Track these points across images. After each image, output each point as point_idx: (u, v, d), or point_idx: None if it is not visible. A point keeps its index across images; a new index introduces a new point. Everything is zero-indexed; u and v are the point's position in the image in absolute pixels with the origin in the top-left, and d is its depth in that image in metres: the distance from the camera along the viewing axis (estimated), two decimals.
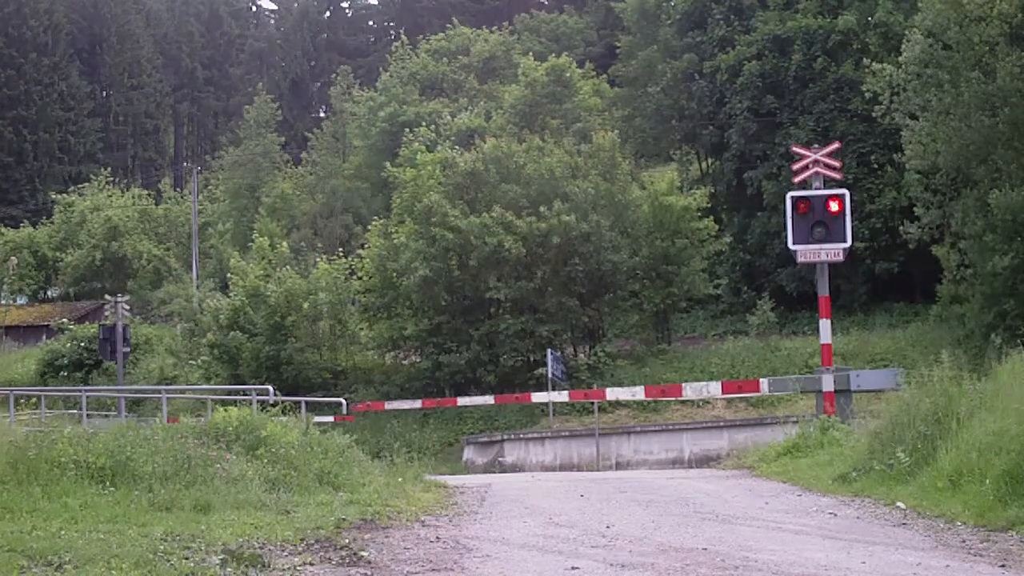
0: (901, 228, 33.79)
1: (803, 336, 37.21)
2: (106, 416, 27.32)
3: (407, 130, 48.50)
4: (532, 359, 35.94)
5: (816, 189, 17.55)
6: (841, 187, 18.04)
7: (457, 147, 40.58)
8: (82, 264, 61.06)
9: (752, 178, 42.16)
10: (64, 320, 51.94)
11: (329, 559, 7.97)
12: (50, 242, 64.52)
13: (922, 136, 30.11)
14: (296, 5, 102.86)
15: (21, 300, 64.84)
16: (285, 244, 43.59)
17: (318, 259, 40.84)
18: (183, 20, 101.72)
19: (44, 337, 53.76)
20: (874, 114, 33.57)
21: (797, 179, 18.08)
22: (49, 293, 66.64)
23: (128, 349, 43.22)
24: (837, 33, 40.90)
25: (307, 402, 21.74)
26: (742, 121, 42.35)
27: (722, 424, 26.88)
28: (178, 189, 70.47)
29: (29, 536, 7.87)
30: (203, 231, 59.92)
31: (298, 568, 7.56)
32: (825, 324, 17.71)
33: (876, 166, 39.19)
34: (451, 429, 34.74)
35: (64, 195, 66.84)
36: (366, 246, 41.33)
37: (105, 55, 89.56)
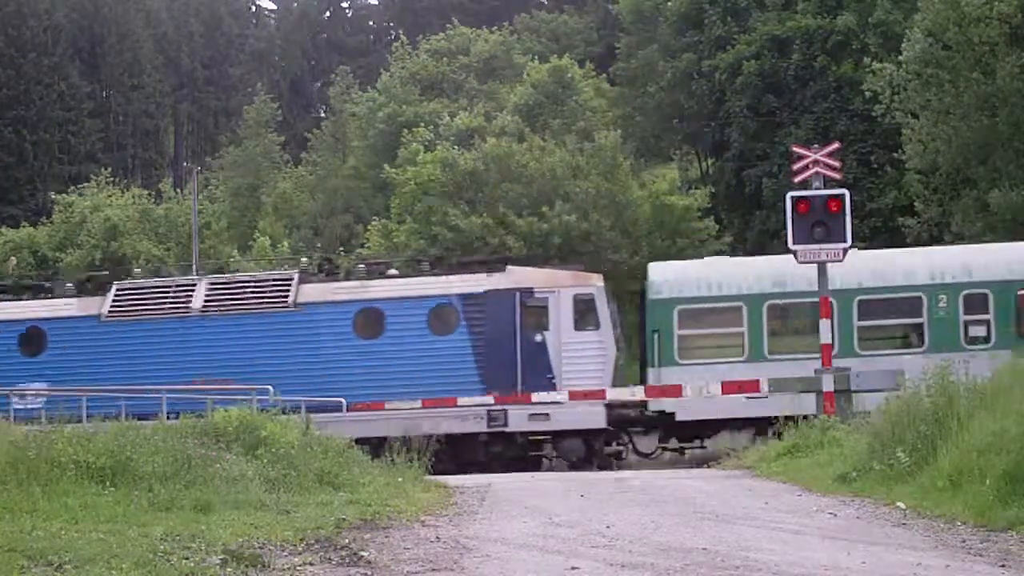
0: (901, 219, 33.93)
1: None
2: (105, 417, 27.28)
3: (405, 130, 48.51)
4: None
5: (816, 189, 17.58)
6: (841, 187, 18.08)
7: (456, 147, 40.58)
8: (82, 264, 61.00)
9: (751, 177, 42.16)
10: None
11: (329, 559, 7.97)
12: (50, 242, 64.46)
13: (922, 135, 30.14)
14: (296, 5, 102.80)
15: None
16: (286, 244, 43.56)
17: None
18: (183, 20, 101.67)
19: None
20: (874, 113, 33.53)
21: (797, 179, 18.11)
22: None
23: None
24: (836, 33, 40.89)
25: (307, 402, 21.74)
26: (742, 120, 42.35)
27: None
28: (178, 189, 70.39)
29: (29, 536, 7.87)
30: (203, 231, 59.87)
31: (298, 568, 7.56)
32: (825, 324, 17.74)
33: (876, 166, 39.16)
34: None
35: (64, 195, 66.80)
36: (366, 246, 41.33)
37: (105, 55, 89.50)
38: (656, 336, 22.99)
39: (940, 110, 29.39)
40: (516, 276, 24.16)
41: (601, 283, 24.11)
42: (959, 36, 28.83)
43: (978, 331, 22.07)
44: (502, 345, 23.36)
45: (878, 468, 11.66)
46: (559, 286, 23.75)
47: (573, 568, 7.46)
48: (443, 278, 24.58)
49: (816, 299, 19.56)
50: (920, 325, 22.49)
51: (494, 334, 23.44)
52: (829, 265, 20.97)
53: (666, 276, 23.81)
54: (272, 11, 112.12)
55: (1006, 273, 22.30)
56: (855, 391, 17.33)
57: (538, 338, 23.45)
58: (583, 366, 23.34)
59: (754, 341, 22.70)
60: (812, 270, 21.72)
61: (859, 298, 22.45)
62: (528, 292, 23.66)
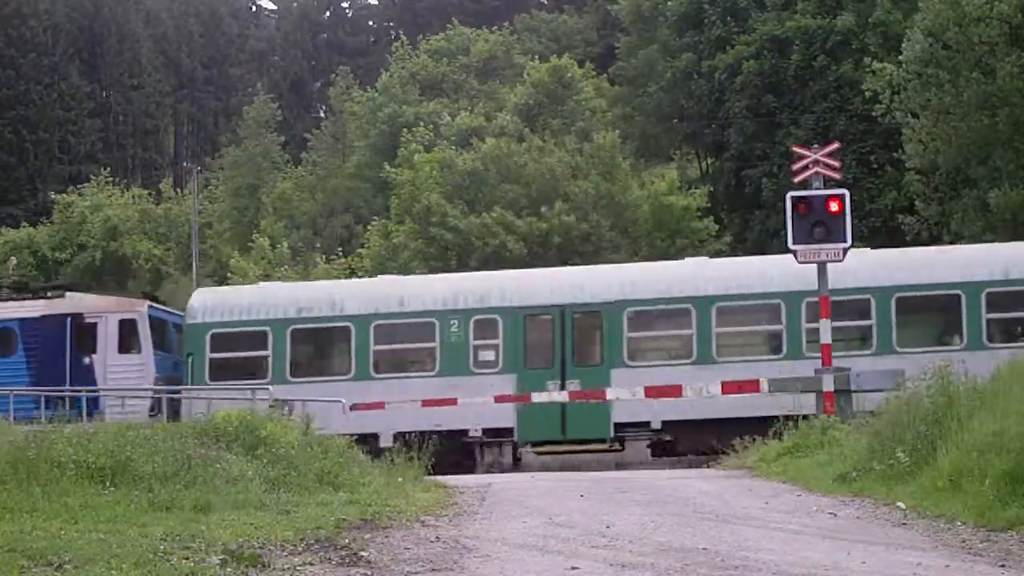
0: (900, 216, 33.96)
1: None
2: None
3: (405, 130, 48.54)
4: None
5: (816, 189, 17.58)
6: (841, 187, 18.08)
7: (455, 148, 40.61)
8: (82, 264, 60.97)
9: (751, 177, 42.17)
10: None
11: (329, 559, 7.97)
12: (50, 242, 64.42)
13: (922, 135, 30.16)
14: (296, 5, 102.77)
15: None
16: (285, 244, 43.57)
17: (318, 259, 40.83)
18: (183, 20, 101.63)
19: None
20: (874, 113, 33.55)
21: (797, 179, 18.10)
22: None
23: None
24: (836, 33, 40.90)
25: (307, 402, 21.73)
26: (741, 120, 42.36)
27: None
28: (178, 189, 70.40)
29: (29, 536, 7.87)
30: (203, 231, 59.89)
31: (298, 568, 7.56)
32: (825, 324, 17.73)
33: (876, 166, 39.17)
34: None
35: (64, 195, 66.77)
36: (366, 246, 41.35)
37: (105, 55, 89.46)
38: (191, 359, 23.55)
39: (940, 110, 29.41)
40: (71, 302, 25.68)
41: (145, 309, 25.20)
42: (959, 36, 28.85)
43: (487, 356, 22.84)
44: (55, 367, 24.50)
45: (878, 468, 11.65)
46: (106, 312, 25.18)
47: (573, 568, 7.46)
48: (10, 303, 26.18)
49: (336, 324, 22.63)
50: (433, 350, 23.11)
51: (48, 356, 24.73)
52: (354, 291, 23.78)
53: (203, 302, 24.48)
54: (272, 11, 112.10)
55: (516, 300, 23.05)
56: (855, 391, 17.37)
57: (86, 360, 24.73)
58: (125, 388, 24.22)
59: (277, 365, 23.26)
60: (332, 296, 23.86)
61: (376, 323, 23.04)
62: (79, 317, 25.05)
